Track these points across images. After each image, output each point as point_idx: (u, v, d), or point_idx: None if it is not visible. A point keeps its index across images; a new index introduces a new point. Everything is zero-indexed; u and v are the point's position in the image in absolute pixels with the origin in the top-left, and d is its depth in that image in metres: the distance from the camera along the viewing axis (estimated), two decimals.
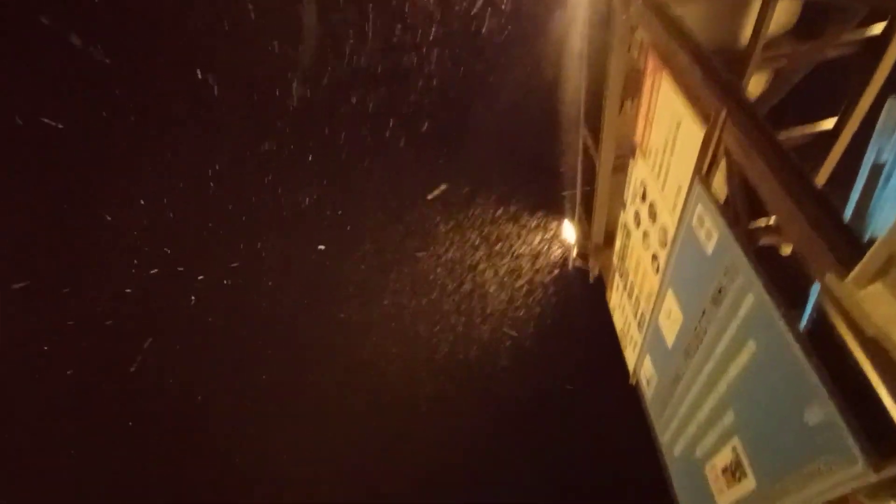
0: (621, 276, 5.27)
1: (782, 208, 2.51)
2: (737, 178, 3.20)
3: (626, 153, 4.77)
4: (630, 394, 5.13)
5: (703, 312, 3.25)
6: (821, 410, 2.22)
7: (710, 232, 3.05)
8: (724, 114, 2.93)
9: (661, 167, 3.84)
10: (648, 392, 4.65)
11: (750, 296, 2.63)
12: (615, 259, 5.46)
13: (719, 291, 2.94)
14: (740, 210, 3.28)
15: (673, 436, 4.15)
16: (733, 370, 2.94)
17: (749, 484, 3.00)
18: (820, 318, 2.51)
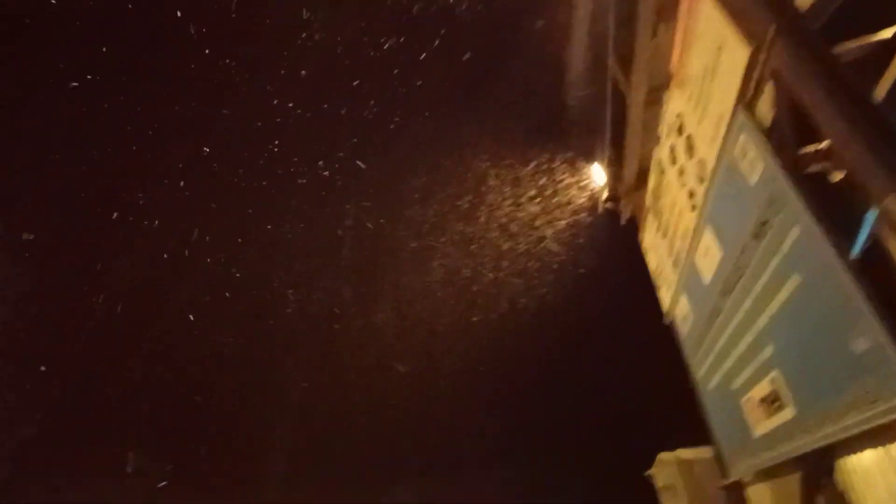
0: (655, 215, 5.13)
1: (837, 131, 2.34)
2: (785, 101, 2.98)
3: (659, 84, 4.48)
4: (664, 332, 5.15)
5: (744, 248, 3.15)
6: (869, 338, 2.17)
7: (755, 162, 2.89)
8: (772, 31, 2.68)
9: (699, 97, 3.61)
10: (683, 330, 4.65)
11: (796, 227, 2.53)
12: (648, 199, 5.30)
13: (762, 225, 2.84)
14: (788, 137, 3.08)
15: (708, 371, 4.18)
16: (775, 304, 2.89)
17: (788, 413, 3.02)
18: (873, 246, 2.40)
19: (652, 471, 7.01)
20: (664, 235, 4.90)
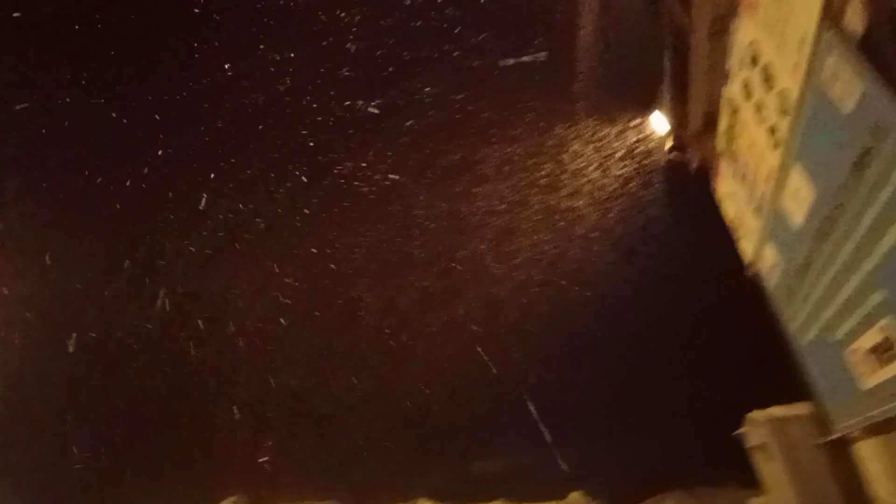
0: (730, 160, 4.71)
1: None
2: (880, 8, 2.58)
3: (725, 12, 4.05)
4: (745, 285, 4.80)
5: (842, 185, 2.82)
6: None
7: (849, 86, 2.54)
8: None
9: (775, 19, 3.21)
10: (771, 281, 4.30)
11: None
12: (720, 142, 4.86)
13: (864, 155, 2.51)
14: (887, 51, 2.68)
15: (804, 322, 3.86)
16: (885, 244, 2.57)
17: None
18: None
19: (742, 430, 6.69)
20: (742, 180, 4.50)
